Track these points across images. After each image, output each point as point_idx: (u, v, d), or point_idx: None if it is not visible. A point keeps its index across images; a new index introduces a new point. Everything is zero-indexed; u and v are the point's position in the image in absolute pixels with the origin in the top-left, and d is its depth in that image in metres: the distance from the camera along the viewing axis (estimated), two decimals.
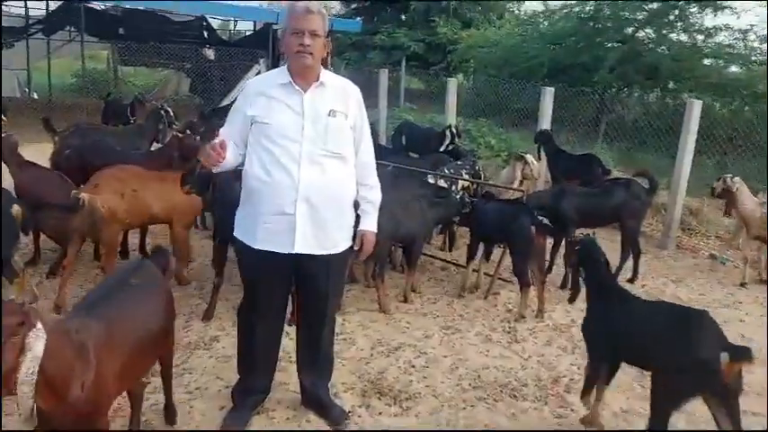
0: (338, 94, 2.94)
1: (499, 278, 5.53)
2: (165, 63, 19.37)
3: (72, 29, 17.33)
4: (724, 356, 2.72)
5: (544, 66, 14.60)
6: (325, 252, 2.94)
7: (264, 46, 15.51)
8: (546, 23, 17.32)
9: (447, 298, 5.34)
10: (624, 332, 3.22)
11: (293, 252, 2.87)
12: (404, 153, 9.17)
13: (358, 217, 3.11)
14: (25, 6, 17.53)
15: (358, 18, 20.11)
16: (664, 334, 2.96)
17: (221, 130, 2.99)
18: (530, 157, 6.73)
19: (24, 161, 5.38)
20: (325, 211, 2.88)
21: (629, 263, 5.94)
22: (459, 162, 6.74)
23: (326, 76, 2.94)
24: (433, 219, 5.39)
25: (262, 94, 2.88)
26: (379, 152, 8.84)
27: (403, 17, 21.92)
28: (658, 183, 6.31)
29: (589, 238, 3.78)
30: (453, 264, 6.08)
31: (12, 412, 2.50)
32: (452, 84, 10.70)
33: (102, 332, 2.36)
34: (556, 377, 4.09)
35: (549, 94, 9.00)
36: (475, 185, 6.33)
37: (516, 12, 22.88)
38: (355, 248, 3.12)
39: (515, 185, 6.64)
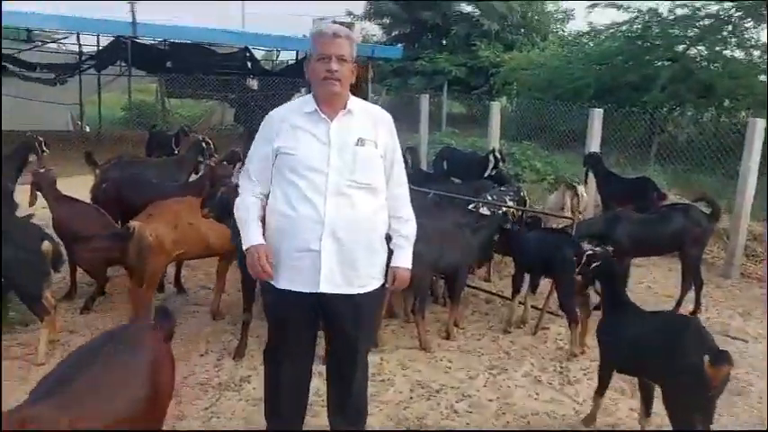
0: (367, 121, 2.72)
1: (548, 312, 5.17)
2: (209, 94, 19.66)
3: (122, 63, 17.77)
4: (705, 359, 2.87)
5: (590, 86, 14.24)
6: (353, 291, 2.70)
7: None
8: (591, 44, 16.98)
9: (492, 334, 5.01)
10: (634, 346, 3.39)
11: (318, 291, 2.65)
12: (445, 179, 8.95)
13: (391, 252, 2.85)
14: (78, 43, 18.06)
15: (399, 45, 20.03)
16: (657, 344, 3.18)
17: (244, 168, 2.82)
18: (581, 189, 6.36)
19: (62, 195, 5.32)
20: (353, 246, 2.65)
21: (691, 294, 5.52)
22: (503, 188, 6.44)
23: (355, 103, 2.73)
24: (476, 247, 5.10)
25: (286, 124, 2.68)
26: (420, 178, 8.81)
27: (444, 42, 21.82)
28: (720, 208, 5.88)
29: (606, 253, 4.00)
30: (499, 296, 5.75)
31: None
32: (495, 107, 10.43)
33: (59, 424, 1.89)
34: (613, 424, 3.73)
35: (597, 116, 8.64)
36: (520, 212, 6.00)
37: (560, 33, 22.52)
38: (387, 286, 2.86)
39: (565, 214, 6.27)
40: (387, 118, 2.80)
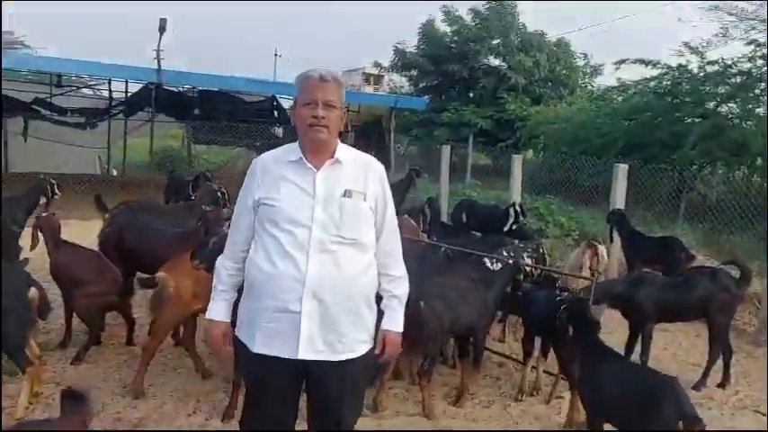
0: (357, 171, 2.52)
1: (564, 378, 4.83)
2: (235, 141, 19.87)
3: (150, 109, 18.07)
4: (680, 424, 2.95)
5: (618, 141, 14.01)
6: (337, 358, 2.45)
7: None
8: (619, 99, 16.83)
9: (503, 401, 4.66)
10: (610, 393, 3.38)
11: (298, 357, 2.40)
12: (465, 231, 8.74)
13: (382, 313, 2.62)
14: (109, 89, 18.45)
15: (425, 96, 20.13)
16: (633, 399, 3.19)
17: (232, 221, 2.65)
18: (602, 249, 6.03)
19: (62, 241, 5.20)
20: (337, 308, 2.41)
21: (720, 363, 5.13)
22: (521, 244, 6.15)
23: (344, 151, 2.53)
24: (493, 306, 4.80)
25: (269, 173, 2.49)
26: (438, 230, 8.59)
27: (471, 94, 21.87)
28: (751, 271, 5.53)
29: (577, 298, 4.00)
30: (512, 359, 5.41)
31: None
32: (517, 160, 10.24)
33: None
34: None
35: (621, 172, 8.38)
36: (537, 271, 5.70)
37: (588, 87, 22.45)
38: (377, 351, 2.60)
39: (583, 274, 5.94)
40: (377, 167, 2.59)
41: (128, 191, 13.74)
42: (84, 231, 9.52)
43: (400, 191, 11.12)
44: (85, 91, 19.39)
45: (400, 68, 23.52)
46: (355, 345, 2.50)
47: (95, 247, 5.52)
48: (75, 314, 4.93)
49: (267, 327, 2.42)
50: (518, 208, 8.32)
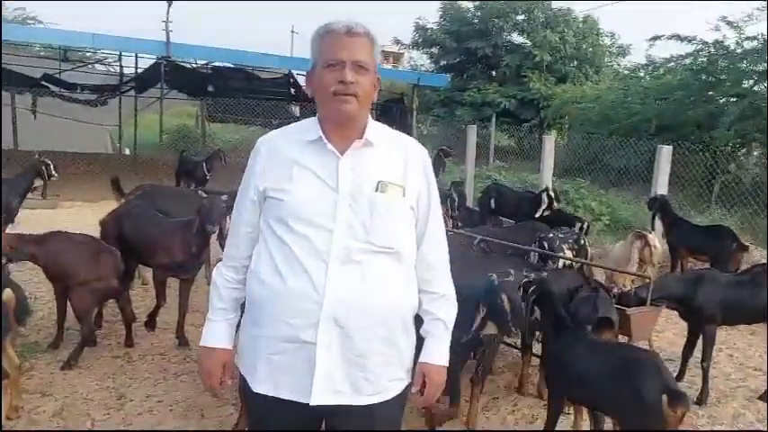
0: (393, 156, 1.91)
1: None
2: (251, 119, 19.31)
3: (164, 86, 17.56)
4: (664, 398, 2.79)
5: (650, 122, 13.32)
6: (363, 402, 1.86)
7: None
8: (648, 78, 16.09)
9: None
10: (577, 373, 3.24)
11: (311, 403, 1.81)
12: (493, 218, 8.18)
13: (421, 340, 2.02)
14: (120, 65, 17.96)
15: (447, 74, 19.38)
16: (611, 376, 3.04)
17: (232, 217, 2.04)
18: (653, 238, 5.42)
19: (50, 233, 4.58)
20: (364, 337, 1.82)
21: None
22: (561, 233, 5.52)
23: (376, 130, 1.92)
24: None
25: (277, 156, 1.90)
26: (466, 217, 8.02)
27: (494, 73, 21.10)
28: None
29: (542, 278, 3.79)
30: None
31: None
32: (549, 141, 9.62)
33: None
34: None
35: (666, 154, 7.76)
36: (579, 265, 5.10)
37: (615, 66, 21.59)
38: (413, 390, 1.99)
39: (631, 268, 5.32)
40: (420, 152, 1.98)
41: (140, 171, 13.29)
42: (91, 214, 9.10)
43: None
44: (97, 67, 18.89)
45: (421, 45, 22.73)
46: (387, 383, 1.90)
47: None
48: (70, 309, 4.40)
49: (272, 360, 1.84)
50: (551, 193, 7.75)
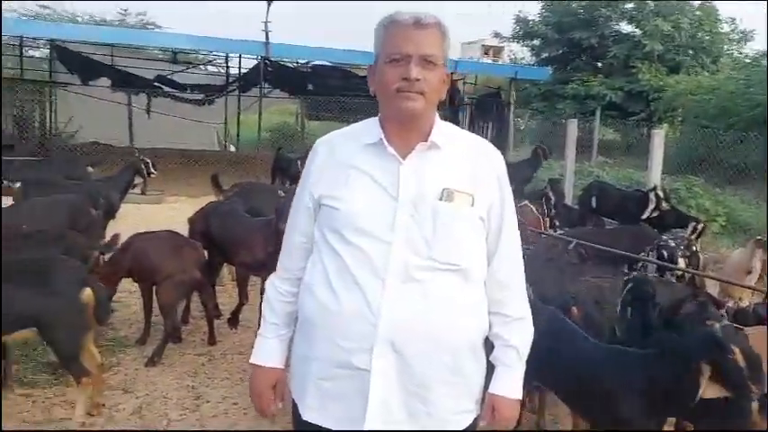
0: (462, 160, 1.70)
1: None
2: (349, 116, 19.47)
3: (266, 85, 18.03)
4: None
5: None
6: None
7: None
8: None
9: None
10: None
11: None
12: (594, 218, 7.74)
13: (490, 368, 1.79)
14: (226, 65, 18.66)
15: (548, 67, 18.69)
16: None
17: (287, 224, 1.88)
18: None
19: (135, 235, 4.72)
20: (425, 365, 1.62)
21: None
22: (672, 239, 5.01)
23: (443, 131, 1.72)
24: None
25: (334, 160, 1.73)
26: (564, 217, 7.62)
27: (599, 65, 20.17)
28: None
29: (642, 276, 3.55)
30: None
31: None
32: (658, 136, 8.96)
33: None
34: None
35: None
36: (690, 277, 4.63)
37: (735, 54, 20.07)
38: (482, 423, 1.77)
39: (751, 281, 4.75)
40: (493, 155, 1.76)
41: (241, 168, 13.67)
42: (189, 210, 9.37)
43: (524, 173, 10.16)
44: (201, 67, 19.71)
45: (522, 38, 22.10)
46: (453, 416, 1.69)
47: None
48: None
49: (322, 385, 1.67)
50: (660, 192, 7.22)
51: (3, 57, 18.64)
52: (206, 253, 4.80)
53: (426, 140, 1.68)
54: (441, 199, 1.64)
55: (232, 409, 3.67)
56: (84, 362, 3.35)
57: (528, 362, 1.78)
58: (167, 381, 3.99)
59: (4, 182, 6.78)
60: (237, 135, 18.33)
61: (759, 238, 5.06)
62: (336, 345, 1.63)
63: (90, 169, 7.63)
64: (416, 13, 1.65)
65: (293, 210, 1.84)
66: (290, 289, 1.82)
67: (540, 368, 2.33)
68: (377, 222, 1.63)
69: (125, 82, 16.07)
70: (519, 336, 1.77)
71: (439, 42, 1.66)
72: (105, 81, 16.33)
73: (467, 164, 1.70)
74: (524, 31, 21.66)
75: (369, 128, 1.74)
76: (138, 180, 6.78)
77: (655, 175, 8.91)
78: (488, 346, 1.78)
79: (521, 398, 1.77)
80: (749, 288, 4.17)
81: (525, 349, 1.77)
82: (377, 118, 1.75)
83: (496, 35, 23.22)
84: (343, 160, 1.71)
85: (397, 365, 1.61)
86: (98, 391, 3.54)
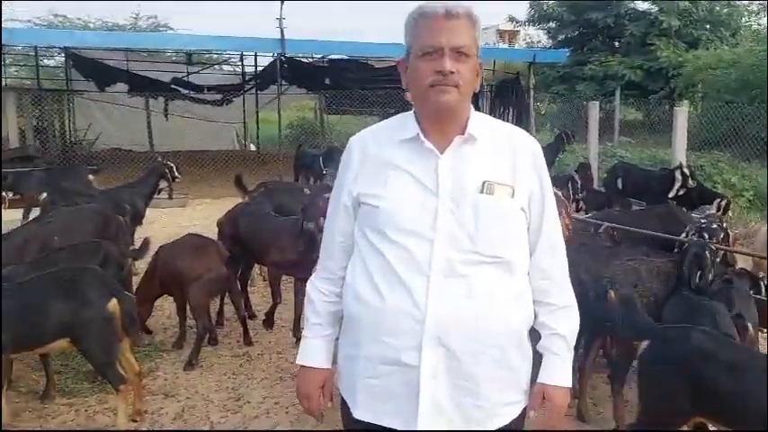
0: (500, 152, 1.69)
1: None
2: (368, 110, 19.44)
3: (283, 82, 18.02)
4: None
5: None
6: (476, 428, 1.66)
7: None
8: None
9: None
10: None
11: (417, 430, 1.63)
12: (621, 199, 7.68)
13: (538, 357, 1.79)
14: (241, 64, 18.69)
15: (565, 49, 18.48)
16: None
17: (325, 224, 1.89)
18: None
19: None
20: (473, 359, 1.62)
21: None
22: (701, 218, 4.92)
23: (479, 123, 1.70)
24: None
25: (370, 158, 1.72)
26: (591, 200, 7.56)
27: (616, 44, 19.91)
28: None
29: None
30: None
31: None
32: (681, 113, 8.89)
33: None
34: None
35: None
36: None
37: (755, 26, 19.68)
38: (531, 414, 1.77)
39: None
40: (531, 145, 1.75)
41: (263, 166, 13.77)
42: (216, 212, 9.42)
43: (547, 158, 10.09)
44: (217, 67, 19.76)
45: (537, 21, 21.86)
46: (502, 409, 1.69)
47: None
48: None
49: (371, 384, 1.68)
50: (685, 170, 7.15)
51: (19, 67, 19.01)
52: (234, 252, 4.83)
53: (463, 133, 1.68)
54: (481, 192, 1.64)
55: (274, 409, 3.71)
56: (122, 369, 3.39)
57: None
58: (207, 383, 4.03)
59: (33, 193, 6.88)
60: (257, 133, 18.39)
61: None
62: (383, 343, 1.64)
63: (90, 177, 7.64)
64: (446, 3, 1.63)
65: (331, 210, 1.84)
66: (332, 289, 1.82)
67: None
68: (418, 220, 1.62)
69: (142, 86, 16.15)
70: (566, 324, 1.76)
71: (471, 33, 1.64)
72: (122, 86, 16.43)
73: (505, 155, 1.70)
74: (539, 14, 21.42)
75: (404, 123, 1.74)
76: (162, 184, 6.80)
77: (679, 152, 8.84)
78: (534, 335, 1.77)
79: (570, 386, 1.77)
80: None
81: (573, 337, 1.77)
82: (411, 113, 1.75)
83: (511, 19, 22.98)
84: (380, 157, 1.71)
85: (446, 360, 1.61)
86: (139, 398, 3.59)
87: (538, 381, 1.75)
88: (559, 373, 1.75)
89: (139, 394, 3.61)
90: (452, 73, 1.60)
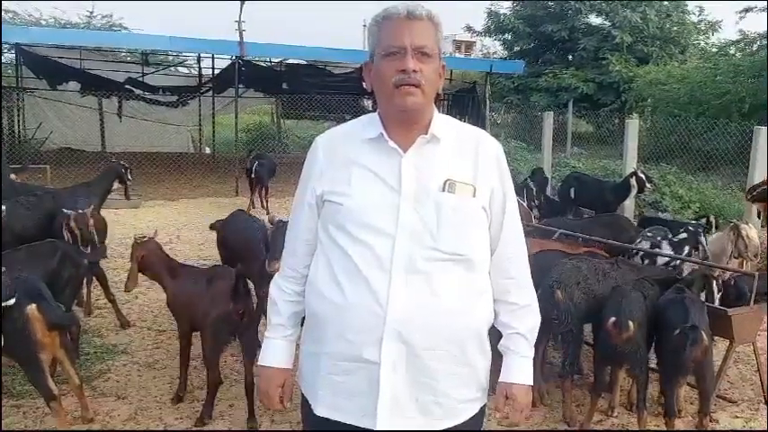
0: (462, 152, 1.73)
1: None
2: (325, 115, 19.43)
3: (240, 85, 17.86)
4: None
5: (743, 101, 12.52)
6: (433, 426, 1.68)
7: None
8: (739, 55, 15.15)
9: None
10: None
11: (376, 429, 1.65)
12: (573, 209, 7.85)
13: (499, 357, 1.83)
14: (198, 66, 18.45)
15: (521, 60, 18.86)
16: None
17: (289, 223, 1.89)
18: (745, 228, 4.98)
19: (176, 264, 4.00)
20: (433, 355, 1.65)
21: None
22: (668, 232, 4.98)
23: (442, 124, 1.74)
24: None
25: (336, 157, 1.74)
26: (547, 208, 7.70)
27: (570, 57, 20.40)
28: None
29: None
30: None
31: None
32: (633, 125, 9.17)
33: None
34: None
35: (762, 136, 7.17)
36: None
37: (703, 44, 20.43)
38: (498, 415, 1.80)
39: (728, 263, 4.90)
40: (492, 146, 1.78)
41: (218, 170, 13.65)
42: (171, 213, 9.30)
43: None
44: (173, 69, 19.47)
45: (493, 32, 22.23)
46: (460, 405, 1.72)
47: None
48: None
49: (333, 380, 1.69)
50: (641, 175, 7.36)
51: None
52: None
53: (426, 133, 1.71)
54: (443, 190, 1.66)
55: (228, 411, 3.67)
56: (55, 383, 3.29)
57: None
58: (161, 385, 3.96)
59: None
60: (213, 136, 18.17)
61: (734, 222, 5.21)
62: (345, 339, 1.65)
63: (12, 176, 7.39)
64: (409, 5, 1.67)
65: (295, 209, 1.85)
66: (295, 288, 1.83)
67: None
68: (381, 216, 1.64)
69: (95, 85, 15.79)
70: (527, 324, 1.80)
71: (433, 35, 1.68)
72: (75, 85, 16.05)
73: (467, 155, 1.73)
74: (495, 25, 21.80)
75: (368, 123, 1.77)
76: (116, 185, 6.63)
77: (630, 163, 9.10)
78: (493, 334, 1.80)
79: (532, 383, 1.81)
80: (728, 270, 4.25)
81: (533, 336, 1.81)
82: (376, 114, 1.77)
83: (468, 29, 23.32)
84: (344, 156, 1.73)
85: (406, 357, 1.63)
86: (84, 407, 3.49)
87: (500, 380, 1.79)
88: (522, 371, 1.79)
89: (84, 404, 3.49)
90: (415, 72, 1.62)
